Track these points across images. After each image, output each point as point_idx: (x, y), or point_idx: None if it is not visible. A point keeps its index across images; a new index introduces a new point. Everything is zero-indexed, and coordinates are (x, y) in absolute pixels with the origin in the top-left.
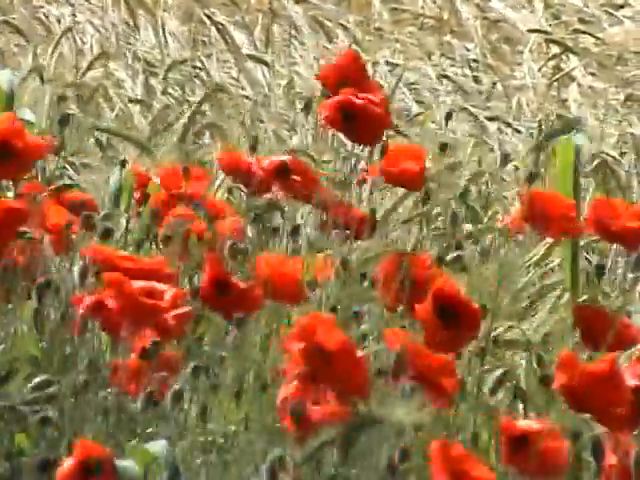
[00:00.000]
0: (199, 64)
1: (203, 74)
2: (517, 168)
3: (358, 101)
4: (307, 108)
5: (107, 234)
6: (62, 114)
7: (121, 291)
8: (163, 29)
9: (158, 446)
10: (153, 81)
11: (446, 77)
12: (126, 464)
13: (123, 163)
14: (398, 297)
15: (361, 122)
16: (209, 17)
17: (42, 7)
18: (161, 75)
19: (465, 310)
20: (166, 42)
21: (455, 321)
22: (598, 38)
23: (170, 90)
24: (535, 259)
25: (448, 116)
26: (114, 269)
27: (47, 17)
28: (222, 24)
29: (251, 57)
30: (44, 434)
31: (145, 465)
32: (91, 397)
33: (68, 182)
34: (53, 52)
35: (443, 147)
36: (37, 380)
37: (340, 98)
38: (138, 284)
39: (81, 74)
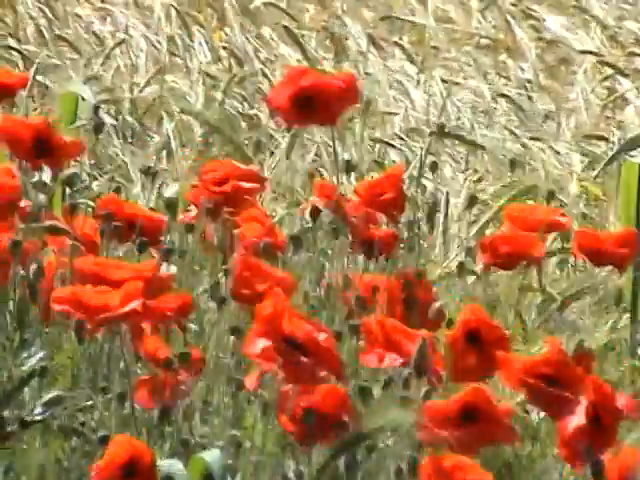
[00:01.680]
0: (260, 78)
1: (265, 88)
2: (583, 187)
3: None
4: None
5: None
6: (97, 122)
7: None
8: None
9: (212, 456)
10: (214, 94)
11: (503, 96)
12: (175, 469)
13: (147, 170)
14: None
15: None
16: (287, 29)
17: (94, 23)
18: (222, 88)
19: (495, 336)
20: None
21: (485, 347)
22: None
23: (233, 102)
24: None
25: (512, 163)
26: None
27: (100, 32)
28: (275, 40)
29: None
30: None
31: (200, 474)
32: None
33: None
34: (104, 63)
35: (513, 165)
36: (49, 396)
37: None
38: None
39: (140, 87)
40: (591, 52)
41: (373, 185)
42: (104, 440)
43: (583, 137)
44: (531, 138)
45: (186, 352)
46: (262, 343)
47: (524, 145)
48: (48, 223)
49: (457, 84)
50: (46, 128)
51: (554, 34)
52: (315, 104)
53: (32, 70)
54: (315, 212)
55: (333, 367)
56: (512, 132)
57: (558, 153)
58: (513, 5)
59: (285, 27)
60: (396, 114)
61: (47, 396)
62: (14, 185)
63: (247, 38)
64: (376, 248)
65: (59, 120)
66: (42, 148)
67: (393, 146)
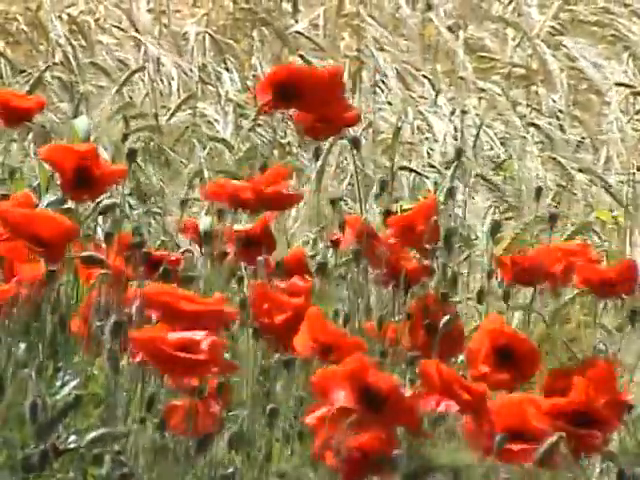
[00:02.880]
0: None
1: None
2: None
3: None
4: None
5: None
6: (130, 148)
7: (152, 349)
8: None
9: None
10: (244, 122)
11: (533, 125)
12: None
13: (184, 202)
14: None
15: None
16: (302, 57)
17: (126, 50)
18: (252, 116)
19: (524, 349)
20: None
21: (514, 361)
22: None
23: (261, 131)
24: None
25: (538, 191)
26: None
27: (129, 60)
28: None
29: None
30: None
31: None
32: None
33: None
34: (120, 89)
35: (538, 192)
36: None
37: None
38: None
39: (170, 114)
40: (624, 84)
41: (406, 218)
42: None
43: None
44: (579, 170)
45: (223, 383)
46: (343, 395)
47: (568, 175)
48: (86, 254)
49: (487, 114)
50: (91, 154)
51: (586, 65)
52: (297, 90)
53: (76, 100)
54: (338, 244)
55: (412, 422)
56: (558, 162)
57: (609, 184)
58: (548, 33)
59: (301, 56)
60: (421, 144)
61: (82, 425)
62: (71, 226)
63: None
64: (405, 281)
65: None
66: (85, 176)
67: (422, 175)
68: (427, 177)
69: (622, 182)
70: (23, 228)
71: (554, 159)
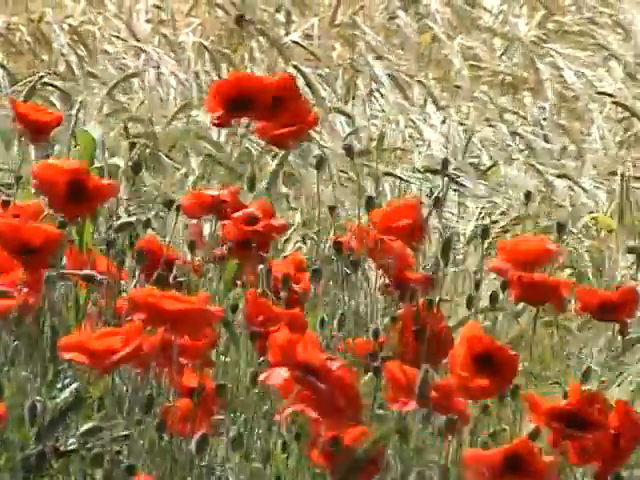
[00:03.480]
0: None
1: None
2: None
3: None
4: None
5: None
6: (135, 160)
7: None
8: None
9: None
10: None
11: (517, 134)
12: None
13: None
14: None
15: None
16: (296, 68)
17: (127, 59)
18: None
19: (502, 357)
20: None
21: (492, 368)
22: None
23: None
24: None
25: (527, 196)
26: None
27: (129, 68)
28: (307, 76)
29: (335, 109)
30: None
31: None
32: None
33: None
34: (110, 92)
35: (527, 196)
36: (87, 426)
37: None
38: None
39: (167, 122)
40: (606, 93)
41: (388, 213)
42: (131, 470)
43: (608, 174)
44: (557, 175)
45: (222, 384)
46: (281, 373)
47: (547, 182)
48: (84, 272)
49: (476, 122)
50: (82, 172)
51: (570, 74)
52: (245, 99)
53: (75, 108)
54: (338, 246)
55: (349, 396)
56: (537, 169)
57: (585, 190)
58: (534, 43)
59: (295, 66)
60: (410, 151)
61: (83, 427)
62: (58, 234)
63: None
64: (409, 290)
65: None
66: (78, 193)
67: (407, 181)
68: (411, 182)
69: (597, 187)
70: (10, 237)
71: (533, 166)
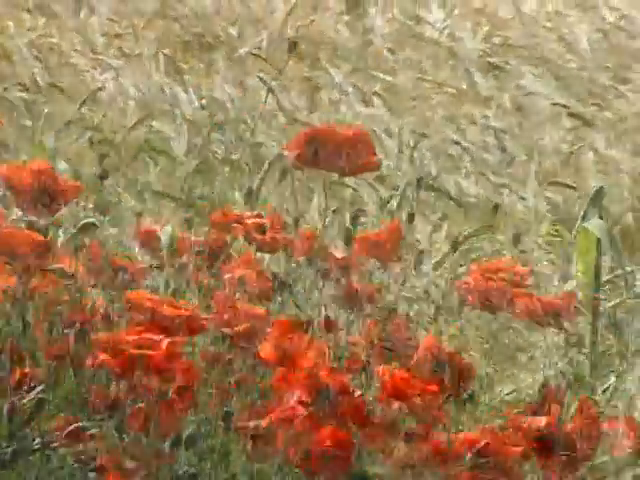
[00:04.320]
0: (243, 126)
1: (248, 135)
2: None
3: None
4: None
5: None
6: (102, 170)
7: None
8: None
9: None
10: (197, 140)
11: (457, 143)
12: None
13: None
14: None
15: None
16: (262, 79)
17: (87, 71)
18: (204, 134)
19: (457, 365)
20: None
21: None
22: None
23: (214, 148)
24: None
25: (495, 209)
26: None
27: (91, 80)
28: (272, 88)
29: (296, 120)
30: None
31: None
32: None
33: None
34: (93, 110)
35: (495, 208)
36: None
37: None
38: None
39: (127, 132)
40: (558, 104)
41: (373, 237)
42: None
43: (549, 184)
44: (501, 185)
45: (186, 386)
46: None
47: (496, 190)
48: (56, 266)
49: (424, 134)
50: (47, 172)
51: (525, 86)
52: (324, 150)
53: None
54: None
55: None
56: (487, 177)
57: (524, 199)
58: (480, 57)
59: (259, 77)
60: None
61: (47, 425)
62: (41, 240)
63: (228, 87)
64: (360, 301)
65: None
66: (43, 193)
67: (356, 190)
68: (358, 191)
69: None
70: None
71: (483, 174)
